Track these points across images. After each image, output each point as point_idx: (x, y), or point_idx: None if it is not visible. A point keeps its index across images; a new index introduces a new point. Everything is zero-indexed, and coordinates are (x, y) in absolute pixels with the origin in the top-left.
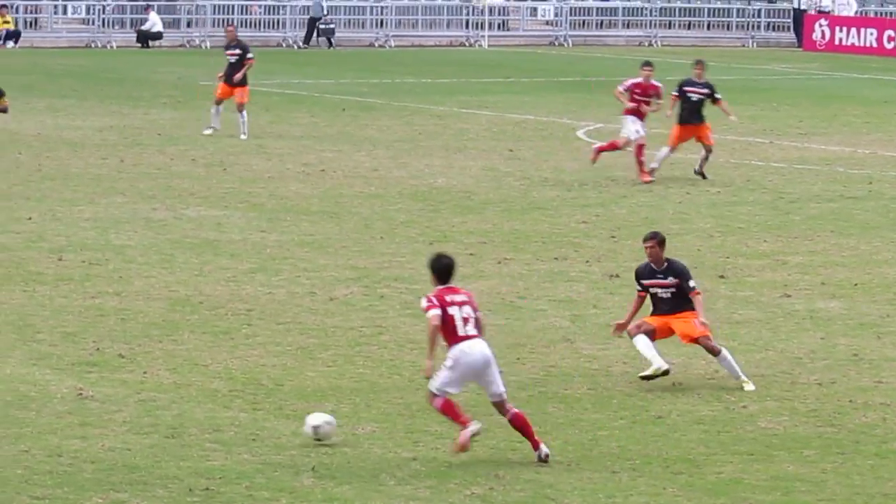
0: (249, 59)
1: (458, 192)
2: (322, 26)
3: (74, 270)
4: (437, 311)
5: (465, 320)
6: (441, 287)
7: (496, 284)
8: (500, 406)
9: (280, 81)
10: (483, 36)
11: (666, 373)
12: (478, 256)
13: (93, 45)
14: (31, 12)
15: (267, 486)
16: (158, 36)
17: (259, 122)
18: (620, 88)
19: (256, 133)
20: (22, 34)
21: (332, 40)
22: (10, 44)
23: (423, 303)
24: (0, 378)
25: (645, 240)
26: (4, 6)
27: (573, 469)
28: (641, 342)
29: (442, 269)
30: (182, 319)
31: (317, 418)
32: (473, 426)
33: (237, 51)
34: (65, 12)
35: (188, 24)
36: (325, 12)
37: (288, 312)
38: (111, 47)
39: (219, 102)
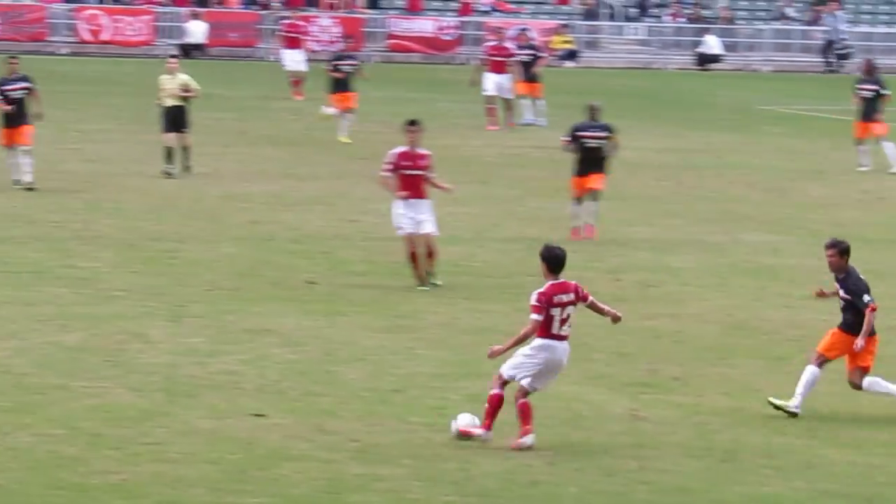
0: (885, 94)
1: None
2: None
3: (630, 291)
4: (538, 318)
5: (563, 321)
6: (552, 282)
7: None
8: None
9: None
10: None
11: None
12: None
13: (651, 67)
14: (591, 33)
15: None
16: (717, 59)
17: (818, 148)
18: None
19: (815, 158)
20: (581, 54)
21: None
22: (569, 63)
23: (532, 300)
24: (556, 396)
25: (826, 247)
26: (566, 26)
27: None
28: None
29: (553, 260)
30: (737, 344)
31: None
32: (485, 435)
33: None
34: (623, 34)
35: (748, 49)
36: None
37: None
38: (669, 69)
39: (860, 142)
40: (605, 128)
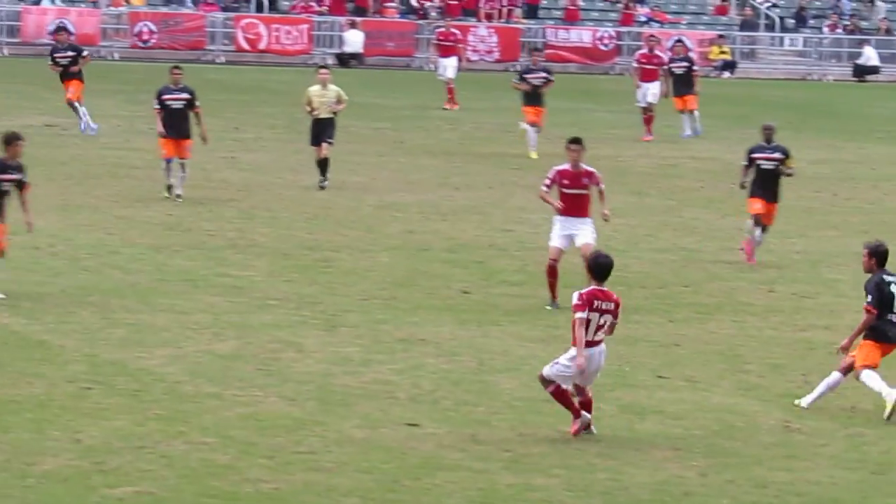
0: None
1: None
2: None
3: (784, 302)
4: (584, 315)
5: (599, 327)
6: (594, 287)
7: None
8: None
9: None
10: None
11: None
12: None
13: (808, 78)
14: (748, 43)
15: None
16: (875, 70)
17: None
18: None
19: None
20: (738, 65)
21: None
22: (726, 74)
23: (574, 299)
24: (708, 407)
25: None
26: (722, 36)
27: None
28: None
29: (598, 269)
30: (892, 356)
31: None
32: (583, 419)
33: None
34: (781, 44)
35: None
36: None
37: None
38: (826, 80)
39: None
40: (780, 150)
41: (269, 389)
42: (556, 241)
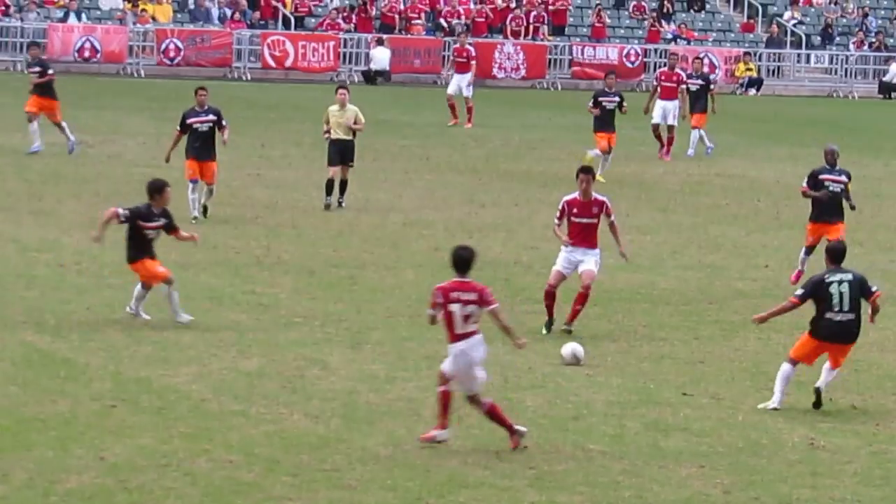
0: None
1: None
2: None
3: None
4: (431, 312)
5: (466, 318)
6: (455, 280)
7: None
8: (472, 400)
9: None
10: None
11: None
12: None
13: (834, 95)
14: (774, 60)
15: None
16: None
17: None
18: None
19: None
20: (764, 82)
21: None
22: (753, 91)
23: (431, 296)
24: (733, 424)
25: None
26: (748, 53)
27: None
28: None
29: (457, 260)
30: None
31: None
32: (442, 434)
33: None
34: (808, 61)
35: None
36: None
37: None
38: (853, 97)
39: None
40: (846, 173)
41: (294, 407)
42: (559, 265)
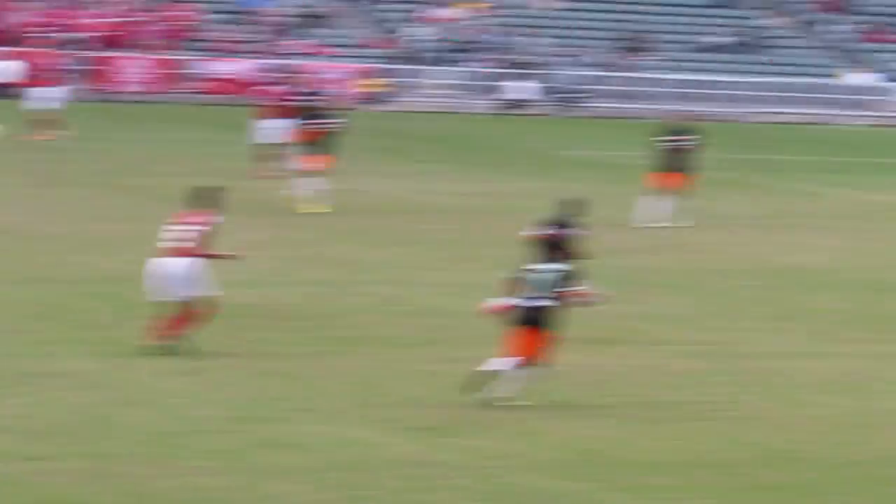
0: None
1: (812, 271)
2: None
3: (430, 334)
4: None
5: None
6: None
7: (848, 364)
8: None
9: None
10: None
11: None
12: (829, 334)
13: (459, 112)
14: (401, 76)
15: None
16: (520, 104)
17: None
18: None
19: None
20: (390, 98)
21: None
22: (379, 107)
23: None
24: (346, 441)
25: None
26: (374, 69)
27: None
28: None
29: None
30: None
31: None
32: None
33: None
34: (433, 77)
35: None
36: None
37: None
38: (475, 114)
39: None
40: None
41: None
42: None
